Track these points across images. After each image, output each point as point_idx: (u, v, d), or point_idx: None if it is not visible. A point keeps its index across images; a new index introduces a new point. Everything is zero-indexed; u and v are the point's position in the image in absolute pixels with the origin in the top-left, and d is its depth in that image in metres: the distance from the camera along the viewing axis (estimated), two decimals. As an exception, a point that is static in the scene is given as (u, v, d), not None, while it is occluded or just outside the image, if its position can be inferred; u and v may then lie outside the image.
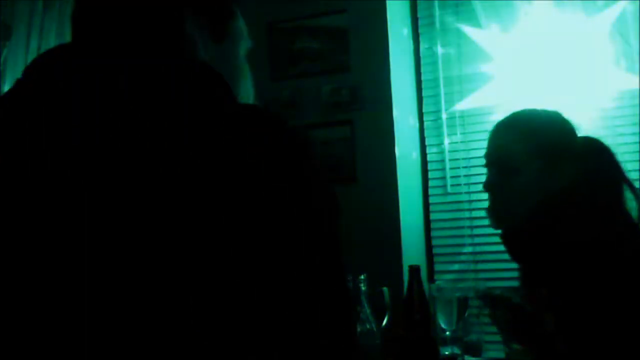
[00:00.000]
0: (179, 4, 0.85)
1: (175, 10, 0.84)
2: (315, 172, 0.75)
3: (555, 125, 1.44)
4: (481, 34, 2.47)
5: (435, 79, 2.66)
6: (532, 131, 1.41)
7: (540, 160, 1.38)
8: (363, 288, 1.72)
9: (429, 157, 2.67)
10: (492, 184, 1.45)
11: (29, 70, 0.79)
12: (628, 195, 1.39)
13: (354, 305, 1.64)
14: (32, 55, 2.95)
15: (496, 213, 1.44)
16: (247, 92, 0.92)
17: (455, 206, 2.58)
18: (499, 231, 1.44)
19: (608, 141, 2.26)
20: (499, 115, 2.39)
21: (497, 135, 1.47)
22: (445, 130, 2.61)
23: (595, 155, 1.41)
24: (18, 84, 0.79)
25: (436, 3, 2.66)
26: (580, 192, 1.33)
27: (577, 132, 1.45)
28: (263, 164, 0.71)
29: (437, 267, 2.62)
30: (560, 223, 1.28)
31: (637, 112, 2.31)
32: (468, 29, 2.50)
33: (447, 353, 1.72)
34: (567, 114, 1.49)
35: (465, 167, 2.58)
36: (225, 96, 0.77)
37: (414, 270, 1.66)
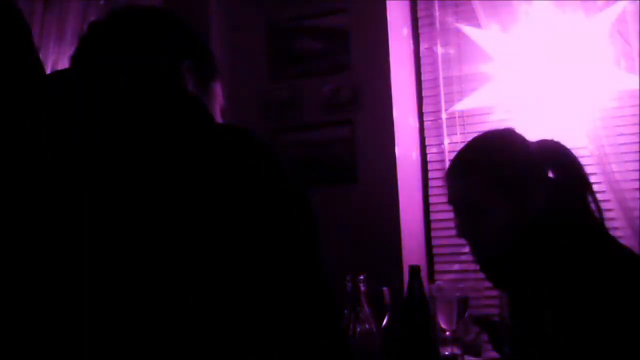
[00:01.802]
0: (179, 55, 0.95)
1: (173, 53, 0.95)
2: (292, 179, 0.79)
3: (507, 150, 1.38)
4: (481, 34, 2.46)
5: (435, 79, 2.66)
6: (487, 165, 1.35)
7: (502, 191, 1.33)
8: (363, 288, 1.72)
9: (429, 157, 2.67)
10: (466, 229, 1.40)
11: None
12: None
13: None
14: (32, 55, 2.95)
15: (481, 256, 1.39)
16: None
17: (455, 206, 2.58)
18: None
19: (608, 141, 2.30)
20: (498, 115, 2.42)
21: (454, 178, 1.42)
22: (445, 130, 2.61)
23: (554, 160, 1.37)
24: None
25: (436, 3, 2.66)
26: (551, 214, 1.30)
27: (528, 146, 1.38)
28: (252, 168, 0.75)
29: (437, 267, 2.62)
30: (541, 250, 1.26)
31: (637, 112, 2.31)
32: (468, 29, 2.50)
33: (447, 353, 1.72)
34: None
35: (465, 167, 2.57)
36: (211, 116, 0.84)
37: (414, 270, 1.66)
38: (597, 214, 1.32)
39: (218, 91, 1.03)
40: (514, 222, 1.31)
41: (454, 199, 1.41)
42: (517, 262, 1.29)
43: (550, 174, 1.36)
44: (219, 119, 1.01)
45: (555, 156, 1.37)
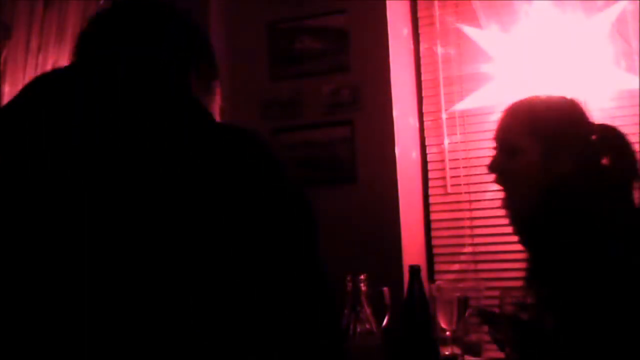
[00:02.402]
0: (178, 51, 0.94)
1: (173, 52, 0.93)
2: (291, 180, 0.79)
3: (558, 113, 1.43)
4: (481, 34, 2.47)
5: (435, 79, 2.66)
6: (533, 116, 1.41)
7: (538, 144, 1.38)
8: (363, 288, 1.72)
9: (429, 157, 2.67)
10: (496, 164, 1.45)
11: (31, 81, 0.81)
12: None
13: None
14: (32, 55, 2.95)
15: (507, 201, 1.44)
16: None
17: (455, 206, 2.58)
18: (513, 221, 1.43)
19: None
20: (499, 115, 2.41)
21: (503, 118, 1.49)
22: (445, 130, 2.61)
23: (609, 144, 1.38)
24: (21, 91, 0.80)
25: (436, 3, 2.66)
26: (580, 182, 1.32)
27: (586, 120, 1.42)
28: (252, 168, 0.76)
29: (437, 267, 2.62)
30: (562, 209, 1.27)
31: (637, 112, 2.31)
32: (468, 29, 2.50)
33: (447, 353, 1.72)
34: (581, 102, 1.47)
35: (465, 167, 2.58)
36: (211, 116, 0.83)
37: (414, 270, 1.66)
38: (634, 200, 1.32)
39: (217, 90, 1.02)
40: (541, 173, 1.35)
41: (496, 137, 1.46)
42: (541, 218, 1.30)
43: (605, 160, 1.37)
44: (217, 118, 1.00)
45: (611, 134, 1.40)
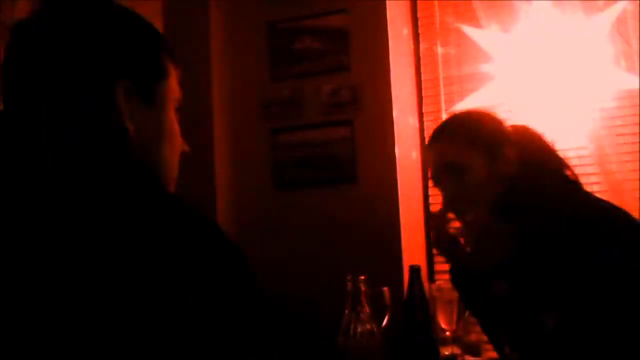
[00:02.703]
0: (109, 72, 0.81)
1: (105, 80, 0.80)
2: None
3: (481, 120, 1.51)
4: (481, 34, 2.47)
5: (435, 79, 2.66)
6: (463, 131, 1.48)
7: (479, 153, 1.44)
8: (363, 288, 1.72)
9: (429, 157, 2.67)
10: (450, 195, 1.49)
11: None
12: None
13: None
14: (32, 55, 2.95)
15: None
16: (171, 155, 0.89)
17: (455, 206, 2.57)
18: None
19: (608, 141, 2.30)
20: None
21: (433, 147, 1.54)
22: (445, 130, 2.61)
23: (526, 137, 1.49)
24: None
25: (436, 3, 2.66)
26: (526, 174, 1.42)
27: (502, 122, 1.52)
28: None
29: (437, 267, 2.62)
30: (523, 214, 1.35)
31: (637, 112, 2.31)
32: (468, 29, 2.50)
33: (447, 353, 1.72)
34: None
35: (465, 167, 2.57)
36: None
37: (415, 270, 1.66)
38: (573, 177, 1.45)
39: (170, 90, 0.88)
40: (489, 177, 1.42)
41: (436, 165, 1.52)
42: (499, 219, 1.40)
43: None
44: (173, 117, 0.89)
45: (525, 129, 1.52)
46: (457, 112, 1.61)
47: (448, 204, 1.50)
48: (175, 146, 0.90)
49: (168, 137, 0.88)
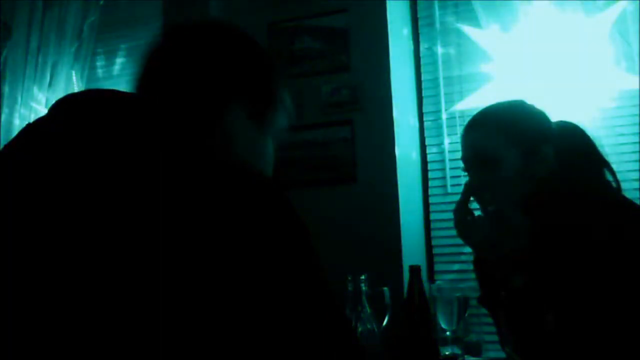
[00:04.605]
0: (223, 93, 0.90)
1: (218, 99, 0.89)
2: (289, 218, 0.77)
3: (523, 113, 1.47)
4: (481, 34, 2.47)
5: (435, 79, 2.66)
6: (502, 123, 1.44)
7: (516, 149, 1.40)
8: (364, 288, 1.72)
9: (429, 157, 2.67)
10: (476, 184, 1.46)
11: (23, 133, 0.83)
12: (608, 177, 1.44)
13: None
14: (32, 55, 2.95)
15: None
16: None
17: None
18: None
19: (608, 141, 2.30)
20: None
21: (469, 135, 1.49)
22: (445, 130, 2.61)
23: (571, 137, 1.45)
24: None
25: (436, 3, 2.66)
26: (562, 176, 1.38)
27: (547, 117, 1.47)
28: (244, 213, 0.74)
29: (437, 267, 2.62)
30: (546, 211, 1.32)
31: (637, 112, 2.31)
32: (468, 29, 2.50)
33: (447, 353, 1.72)
34: (539, 104, 1.51)
35: (465, 167, 2.57)
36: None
37: (415, 270, 1.66)
38: (614, 184, 1.39)
39: (281, 121, 0.97)
40: (525, 177, 1.38)
41: (468, 156, 1.47)
42: (529, 216, 1.35)
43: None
44: (269, 153, 0.96)
45: (570, 126, 1.47)
46: (499, 102, 1.54)
47: (473, 192, 1.47)
48: (266, 172, 0.96)
49: (263, 162, 0.95)
